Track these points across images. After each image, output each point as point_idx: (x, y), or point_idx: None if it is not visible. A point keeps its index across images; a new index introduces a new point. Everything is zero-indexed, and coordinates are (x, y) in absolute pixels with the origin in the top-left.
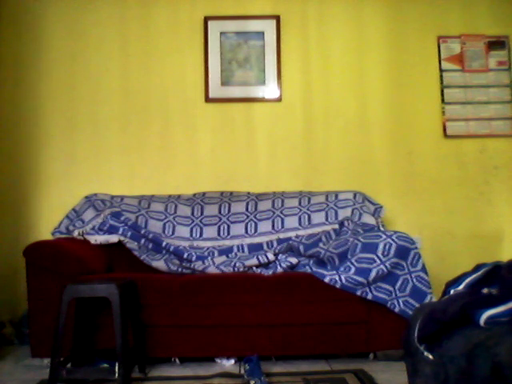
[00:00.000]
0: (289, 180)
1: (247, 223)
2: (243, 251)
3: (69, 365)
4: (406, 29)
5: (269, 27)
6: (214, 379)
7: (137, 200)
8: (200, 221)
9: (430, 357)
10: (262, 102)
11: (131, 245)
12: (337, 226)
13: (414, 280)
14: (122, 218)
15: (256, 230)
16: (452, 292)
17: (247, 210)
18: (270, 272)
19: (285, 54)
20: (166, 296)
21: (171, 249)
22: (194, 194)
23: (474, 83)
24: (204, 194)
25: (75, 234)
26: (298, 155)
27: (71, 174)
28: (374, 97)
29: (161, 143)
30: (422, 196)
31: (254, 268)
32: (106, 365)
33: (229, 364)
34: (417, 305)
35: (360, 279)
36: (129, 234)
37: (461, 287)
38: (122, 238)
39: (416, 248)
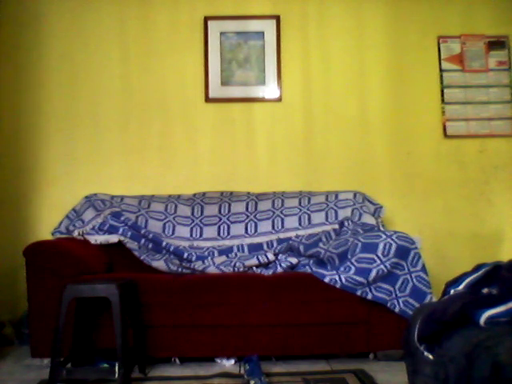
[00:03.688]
0: (289, 180)
1: (247, 223)
2: (243, 251)
3: (69, 365)
4: (406, 29)
5: (269, 27)
6: (214, 379)
7: (137, 200)
8: (200, 221)
9: (430, 357)
10: (262, 101)
11: (131, 245)
12: (337, 226)
13: (414, 280)
14: (122, 218)
15: (256, 230)
16: (452, 292)
17: (247, 209)
18: (270, 272)
19: (285, 53)
20: (166, 296)
21: (171, 249)
22: (194, 194)
23: (474, 83)
24: (204, 194)
25: (75, 234)
26: (298, 155)
27: (71, 174)
28: (373, 97)
29: (161, 143)
30: (422, 196)
31: (254, 268)
32: (106, 365)
33: (229, 364)
34: (417, 305)
35: (360, 279)
36: (129, 234)
37: (461, 287)
38: (121, 238)
39: (416, 248)
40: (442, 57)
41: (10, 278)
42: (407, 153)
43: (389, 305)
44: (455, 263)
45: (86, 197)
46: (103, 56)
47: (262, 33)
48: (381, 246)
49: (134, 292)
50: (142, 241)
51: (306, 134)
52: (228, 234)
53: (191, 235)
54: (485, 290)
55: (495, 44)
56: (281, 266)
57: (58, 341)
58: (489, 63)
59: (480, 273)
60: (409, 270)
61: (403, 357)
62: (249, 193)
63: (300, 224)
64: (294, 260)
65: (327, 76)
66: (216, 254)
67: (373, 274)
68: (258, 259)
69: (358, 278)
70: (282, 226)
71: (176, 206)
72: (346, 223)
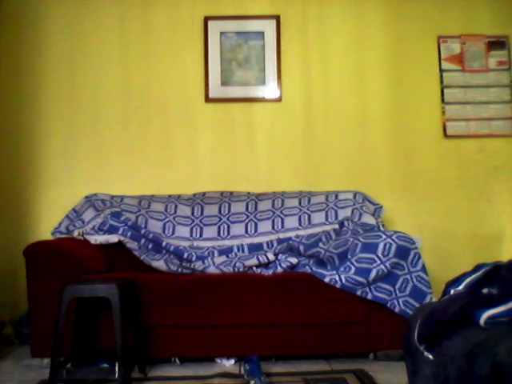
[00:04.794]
0: (289, 180)
1: (247, 223)
2: (243, 251)
3: (69, 365)
4: (406, 29)
5: (269, 27)
6: (214, 379)
7: (137, 200)
8: (200, 221)
9: (430, 357)
10: (262, 101)
11: (131, 245)
12: (337, 226)
13: (414, 280)
14: (122, 218)
15: (256, 230)
16: (452, 292)
17: (247, 209)
18: (270, 272)
19: (285, 54)
20: (165, 296)
21: (171, 249)
22: (194, 194)
23: (474, 83)
24: (204, 194)
25: (75, 234)
26: (298, 155)
27: (71, 174)
28: (373, 97)
29: (161, 143)
30: (422, 196)
31: (254, 268)
32: (105, 365)
33: (229, 364)
34: (417, 305)
35: (360, 279)
36: (129, 234)
37: (461, 287)
38: (122, 238)
39: (416, 248)
40: (442, 57)
41: (10, 278)
42: (407, 153)
43: (389, 305)
44: (455, 263)
45: (86, 197)
46: (103, 56)
47: (262, 33)
48: (381, 246)
49: (133, 292)
50: (142, 241)
51: (305, 133)
52: (228, 234)
53: (191, 235)
54: (485, 290)
55: (495, 44)
56: (281, 265)
57: (57, 341)
58: (489, 63)
59: (480, 273)
60: (409, 269)
61: (403, 357)
62: (249, 193)
63: (300, 224)
64: (294, 260)
65: (327, 76)
66: (216, 253)
67: (373, 273)
68: (258, 259)
69: (358, 278)
70: (282, 226)
71: (176, 206)
72: (345, 223)
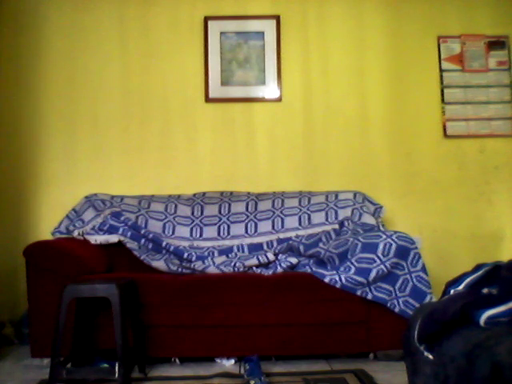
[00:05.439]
0: (289, 180)
1: (247, 223)
2: (243, 251)
3: (69, 365)
4: (406, 29)
5: (269, 27)
6: (213, 379)
7: (137, 200)
8: (200, 221)
9: (430, 357)
10: (262, 101)
11: (131, 245)
12: (337, 226)
13: (414, 280)
14: (122, 218)
15: (256, 230)
16: (452, 292)
17: (247, 210)
18: (270, 272)
19: (285, 54)
20: (166, 296)
21: (171, 249)
22: (194, 194)
23: (474, 83)
24: (204, 194)
25: (75, 234)
26: (298, 155)
27: (71, 174)
28: (373, 97)
29: (161, 143)
30: (422, 196)
31: (254, 268)
32: (105, 365)
33: (229, 364)
34: (417, 305)
35: (360, 279)
36: (129, 234)
37: (461, 287)
38: (121, 238)
39: (416, 248)
40: (442, 57)
41: (10, 278)
42: (407, 153)
43: (389, 305)
44: (455, 263)
45: (86, 197)
46: (103, 56)
47: (262, 33)
48: (381, 246)
49: (134, 292)
50: (142, 241)
51: (306, 133)
52: (228, 233)
53: (191, 235)
54: (485, 290)
55: (495, 44)
56: (281, 265)
57: (57, 341)
58: (489, 63)
59: (480, 273)
60: (409, 269)
61: (403, 357)
62: (249, 193)
63: (300, 224)
64: (293, 260)
65: (327, 76)
66: (216, 253)
67: (373, 273)
68: (258, 259)
69: (358, 278)
70: (282, 226)
71: (176, 206)
72: (345, 223)
